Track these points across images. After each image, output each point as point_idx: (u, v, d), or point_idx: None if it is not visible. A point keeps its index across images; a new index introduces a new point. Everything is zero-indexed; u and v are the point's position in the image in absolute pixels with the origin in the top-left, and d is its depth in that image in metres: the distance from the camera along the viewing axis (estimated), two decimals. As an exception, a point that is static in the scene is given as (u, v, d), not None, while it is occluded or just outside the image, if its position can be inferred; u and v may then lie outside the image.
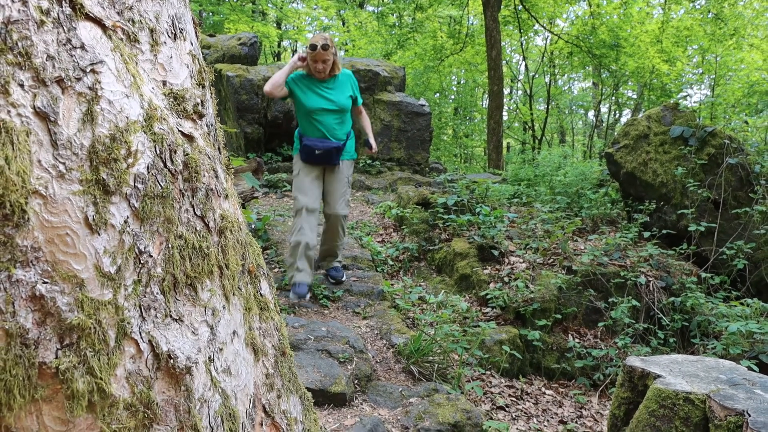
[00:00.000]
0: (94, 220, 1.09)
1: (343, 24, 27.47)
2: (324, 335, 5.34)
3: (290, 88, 5.57)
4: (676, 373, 3.70)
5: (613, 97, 24.79)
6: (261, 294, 1.45)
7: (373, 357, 5.36)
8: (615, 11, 20.68)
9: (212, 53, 12.91)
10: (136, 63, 1.26)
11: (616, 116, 27.23)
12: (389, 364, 5.37)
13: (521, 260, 7.21)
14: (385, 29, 23.29)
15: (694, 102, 22.90)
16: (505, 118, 23.26)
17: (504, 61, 21.58)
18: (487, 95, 21.02)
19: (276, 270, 6.87)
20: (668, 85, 21.57)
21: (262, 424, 1.31)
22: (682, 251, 7.61)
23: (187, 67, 1.43)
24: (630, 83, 23.67)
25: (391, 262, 7.75)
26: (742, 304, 6.14)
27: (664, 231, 7.95)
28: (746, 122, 19.14)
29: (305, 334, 5.31)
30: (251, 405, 1.31)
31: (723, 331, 5.72)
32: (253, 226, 7.56)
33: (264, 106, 11.95)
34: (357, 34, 25.18)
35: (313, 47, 5.35)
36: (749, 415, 3.02)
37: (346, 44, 26.70)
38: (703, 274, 7.05)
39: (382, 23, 23.12)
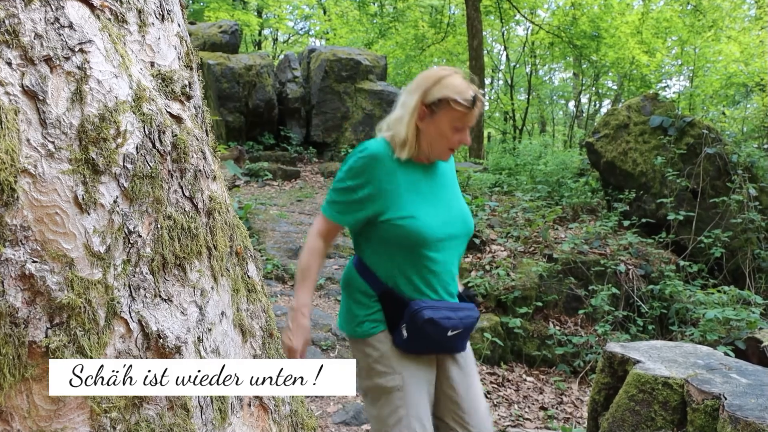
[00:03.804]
0: (83, 199, 1.09)
1: (324, 12, 27.33)
2: (306, 323, 5.34)
3: (377, 190, 2.29)
4: (655, 358, 3.74)
5: (594, 88, 24.89)
6: (248, 276, 1.46)
7: (355, 344, 5.37)
8: (595, 2, 20.72)
9: (193, 41, 12.78)
10: (125, 43, 1.26)
11: (596, 106, 27.35)
12: (371, 351, 5.38)
13: (502, 248, 7.24)
14: (367, 18, 23.20)
15: (673, 93, 23.06)
16: (486, 107, 23.29)
17: (485, 51, 21.58)
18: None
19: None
20: (648, 75, 21.70)
21: (250, 405, 1.32)
22: (661, 240, 7.68)
23: (175, 48, 1.43)
24: (610, 74, 23.76)
25: (372, 251, 7.74)
26: (719, 291, 6.21)
27: (643, 220, 8.01)
28: (724, 113, 19.31)
29: (287, 321, 5.32)
30: (240, 385, 1.32)
31: (700, 318, 5.78)
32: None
33: (245, 94, 11.89)
34: (338, 23, 25.05)
35: (469, 100, 2.26)
36: (725, 398, 3.07)
37: (327, 33, 26.57)
38: (682, 262, 7.13)
39: (364, 12, 23.03)
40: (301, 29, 29.25)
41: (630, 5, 22.03)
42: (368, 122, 12.53)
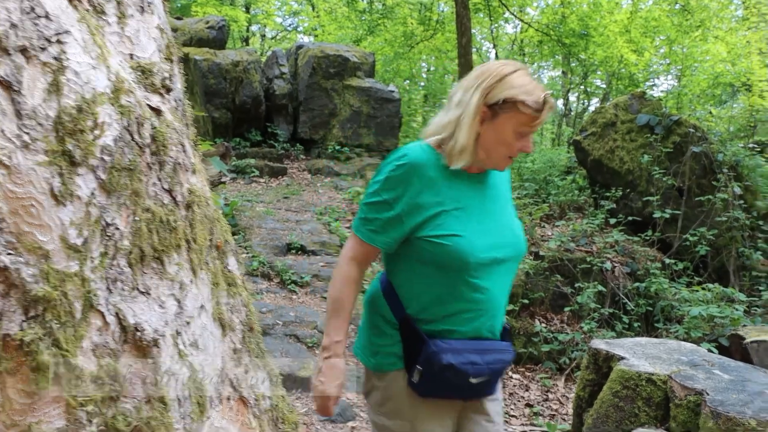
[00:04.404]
0: (59, 191, 1.08)
1: (313, 9, 27.26)
2: (292, 320, 5.35)
3: (416, 204, 1.95)
4: (640, 355, 3.76)
5: (582, 86, 24.98)
6: (228, 270, 1.45)
7: (341, 341, 5.37)
8: (584, 0, 20.80)
9: (179, 36, 12.75)
10: (103, 35, 1.25)
11: (585, 105, 27.45)
12: (358, 348, 5.39)
13: (489, 246, 7.25)
14: (355, 15, 23.16)
15: (662, 92, 23.19)
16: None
17: (474, 49, 21.61)
18: (457, 83, 21.05)
19: (244, 255, 6.83)
20: (636, 74, 21.81)
21: (229, 399, 1.32)
22: (647, 237, 7.73)
23: (155, 41, 1.42)
24: (599, 72, 23.85)
25: (359, 248, 7.74)
26: (703, 289, 6.25)
27: (629, 217, 8.05)
28: (710, 113, 19.42)
29: (273, 318, 5.31)
30: (219, 379, 1.31)
31: (685, 315, 5.83)
32: (220, 212, 7.52)
33: (232, 90, 11.85)
34: (327, 20, 25.00)
35: (539, 103, 1.90)
36: (708, 394, 3.09)
37: (316, 29, 26.52)
38: (667, 260, 7.17)
39: (352, 9, 22.98)
40: (290, 25, 29.19)
41: (619, 4, 22.13)
42: (356, 119, 12.52)
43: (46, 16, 1.10)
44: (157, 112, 1.31)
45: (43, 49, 1.09)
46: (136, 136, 1.23)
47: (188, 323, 1.26)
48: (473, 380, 1.97)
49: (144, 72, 1.34)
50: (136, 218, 1.20)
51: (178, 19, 13.93)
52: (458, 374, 1.94)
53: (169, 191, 1.29)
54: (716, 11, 21.89)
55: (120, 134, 1.19)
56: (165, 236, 1.24)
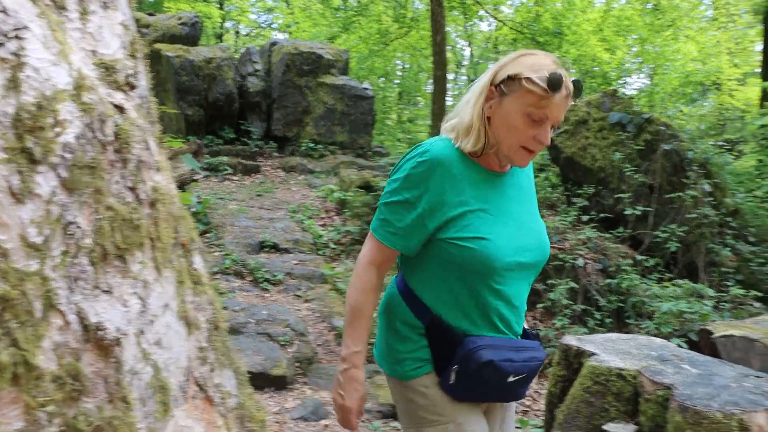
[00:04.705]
0: (19, 189, 1.06)
1: (287, 5, 27.17)
2: (265, 318, 5.33)
3: (439, 203, 1.84)
4: (610, 350, 3.81)
5: (555, 84, 25.14)
6: (194, 268, 1.45)
7: (314, 340, 5.37)
8: (558, -1, 20.97)
9: (151, 32, 12.63)
10: (64, 31, 1.24)
11: (558, 103, 27.65)
12: (330, 346, 5.39)
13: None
14: (330, 12, 23.14)
15: (634, 90, 23.47)
16: (449, 103, 23.39)
17: (449, 47, 21.69)
18: (431, 80, 21.14)
19: (217, 254, 6.80)
20: (609, 73, 22.03)
21: (194, 397, 1.31)
22: (619, 234, 7.81)
23: (119, 37, 1.40)
24: (572, 70, 24.03)
25: (332, 246, 7.75)
26: (673, 285, 6.34)
27: (601, 215, 8.13)
28: (681, 111, 19.67)
29: (246, 317, 5.30)
30: (184, 378, 1.30)
31: (656, 311, 5.90)
32: (193, 209, 7.46)
33: (205, 87, 11.77)
34: (301, 17, 24.93)
35: (545, 79, 1.73)
36: (676, 389, 3.14)
37: (290, 27, 26.43)
38: (638, 257, 7.26)
39: (327, 6, 22.96)
40: (264, 22, 29.08)
41: (592, 3, 22.37)
42: (330, 117, 12.50)
43: (4, 11, 1.08)
44: (120, 109, 1.30)
45: (1, 44, 1.07)
46: (99, 134, 1.22)
47: (152, 322, 1.25)
48: (511, 378, 1.87)
49: (107, 69, 1.33)
50: (99, 216, 1.19)
51: (150, 15, 13.80)
52: (497, 372, 1.82)
53: (133, 189, 1.28)
54: (687, 11, 22.22)
55: (82, 132, 1.18)
56: (128, 234, 1.23)
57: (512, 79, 1.76)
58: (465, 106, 1.87)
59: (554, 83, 1.69)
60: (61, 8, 1.24)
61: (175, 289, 1.33)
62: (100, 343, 1.14)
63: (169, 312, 1.29)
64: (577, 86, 1.77)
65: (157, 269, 1.28)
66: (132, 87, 1.38)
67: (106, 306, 1.16)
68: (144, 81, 1.47)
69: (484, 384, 1.84)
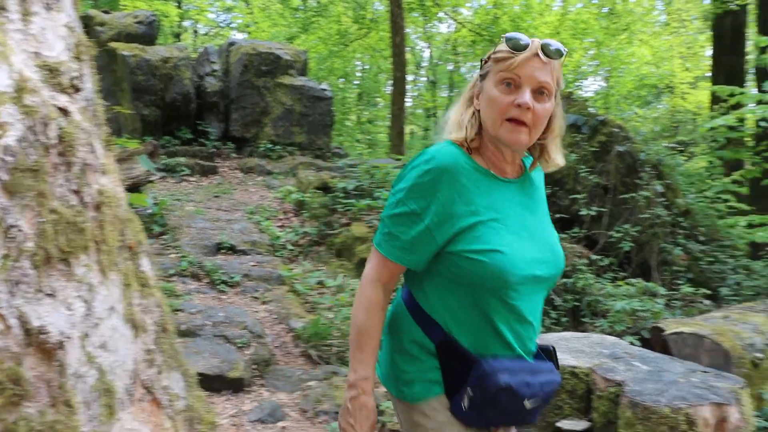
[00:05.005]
0: (-42, 192, 1.06)
1: (247, 5, 26.99)
2: (222, 320, 5.29)
3: (447, 214, 1.71)
4: (564, 349, 3.87)
5: (513, 86, 25.41)
6: (141, 270, 1.44)
7: (271, 341, 5.36)
8: (516, 2, 21.20)
9: (107, 31, 12.43)
10: (5, 32, 1.23)
11: (516, 105, 27.93)
12: (288, 348, 5.38)
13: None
14: (289, 12, 23.06)
15: (591, 92, 23.85)
16: (408, 104, 23.50)
17: (408, 48, 21.77)
18: (391, 81, 21.23)
19: (173, 256, 6.74)
20: (566, 75, 22.34)
21: (141, 400, 1.31)
22: (575, 234, 7.92)
23: (64, 39, 1.39)
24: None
25: (290, 247, 7.73)
26: (627, 284, 6.46)
27: (557, 215, 8.22)
28: (636, 113, 20.03)
29: (202, 319, 5.26)
30: (130, 381, 1.30)
31: (610, 309, 6.01)
32: (149, 211, 7.38)
33: (162, 87, 11.62)
34: (260, 17, 24.80)
35: (513, 39, 1.71)
36: (627, 385, 3.21)
37: (249, 26, 26.26)
38: (593, 256, 7.37)
39: (286, 6, 22.88)
40: (223, 22, 28.83)
41: (549, 6, 22.66)
42: (288, 117, 12.44)
43: (-57, 14, 1.08)
44: (64, 112, 1.29)
45: (-60, 47, 1.07)
46: (42, 137, 1.21)
47: (97, 325, 1.24)
48: (527, 403, 1.74)
49: (51, 71, 1.32)
50: (42, 219, 1.18)
51: (106, 12, 13.57)
52: (514, 397, 1.70)
53: (77, 192, 1.27)
54: (641, 16, 22.65)
55: (23, 135, 1.17)
56: (72, 237, 1.23)
57: (486, 61, 1.76)
58: (453, 104, 1.87)
59: (513, 40, 1.68)
60: (2, 9, 1.23)
61: (122, 291, 1.33)
62: (42, 346, 1.13)
63: (115, 315, 1.29)
64: (547, 45, 1.70)
65: (102, 272, 1.28)
66: (77, 89, 1.38)
67: (49, 309, 1.15)
68: (90, 83, 1.46)
69: (499, 408, 1.73)
